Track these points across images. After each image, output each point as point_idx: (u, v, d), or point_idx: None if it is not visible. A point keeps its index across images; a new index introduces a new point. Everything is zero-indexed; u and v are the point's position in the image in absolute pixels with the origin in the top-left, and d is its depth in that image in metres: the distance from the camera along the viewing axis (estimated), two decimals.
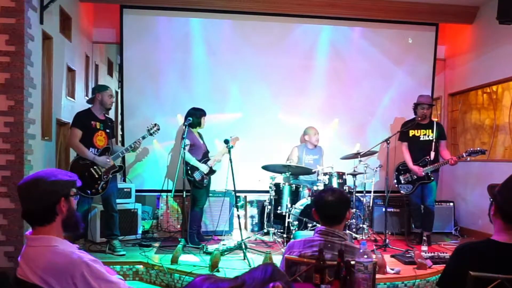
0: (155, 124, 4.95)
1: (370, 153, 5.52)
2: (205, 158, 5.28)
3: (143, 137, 4.88)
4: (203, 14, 6.00)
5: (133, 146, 4.79)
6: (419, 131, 5.40)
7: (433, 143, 5.30)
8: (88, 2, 5.91)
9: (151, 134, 4.96)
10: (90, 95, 6.34)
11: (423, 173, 5.24)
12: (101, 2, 6.01)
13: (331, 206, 2.34)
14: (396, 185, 5.55)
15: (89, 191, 4.45)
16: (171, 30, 6.04)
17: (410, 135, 5.42)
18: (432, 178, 5.27)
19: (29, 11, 4.15)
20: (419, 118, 5.33)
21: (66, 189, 1.79)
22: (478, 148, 4.96)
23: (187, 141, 5.04)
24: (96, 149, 4.56)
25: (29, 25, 4.15)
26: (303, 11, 6.05)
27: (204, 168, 5.15)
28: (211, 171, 5.29)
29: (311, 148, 5.87)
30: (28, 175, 1.81)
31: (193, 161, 5.08)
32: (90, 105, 4.71)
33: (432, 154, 5.27)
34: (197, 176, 5.10)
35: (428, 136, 5.36)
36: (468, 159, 5.02)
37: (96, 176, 4.50)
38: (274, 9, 5.98)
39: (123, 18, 5.89)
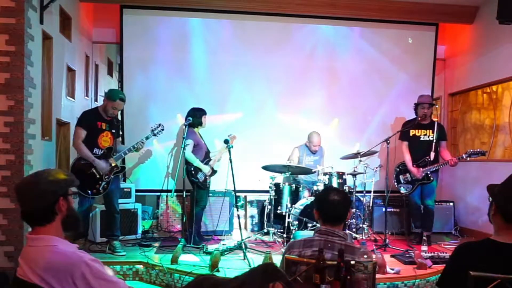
0: (159, 124, 4.93)
1: (370, 153, 5.52)
2: (207, 158, 5.28)
3: (147, 138, 4.86)
4: (203, 14, 6.00)
5: (136, 146, 4.77)
6: (419, 131, 5.41)
7: (434, 144, 5.30)
8: (88, 2, 5.91)
9: (155, 135, 4.94)
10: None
11: (422, 175, 5.25)
12: (101, 2, 6.01)
13: (337, 206, 2.33)
14: (396, 185, 5.55)
15: (89, 191, 4.44)
16: (171, 30, 6.04)
17: (411, 134, 5.42)
18: (432, 179, 5.27)
19: (29, 11, 4.15)
20: (419, 118, 5.34)
21: (64, 188, 1.79)
22: (478, 150, 4.96)
23: (192, 142, 5.05)
24: (100, 150, 4.55)
25: (29, 25, 4.15)
26: (303, 11, 6.05)
27: (206, 169, 5.16)
28: (213, 172, 5.30)
29: (313, 151, 5.85)
30: (25, 176, 1.81)
31: (196, 162, 5.08)
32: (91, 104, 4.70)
33: (432, 154, 5.27)
34: (200, 177, 5.10)
35: (428, 137, 5.36)
36: (468, 159, 5.03)
37: (98, 176, 4.50)
38: (274, 9, 5.98)
39: (123, 18, 5.89)
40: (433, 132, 5.34)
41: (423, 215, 5.43)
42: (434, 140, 5.31)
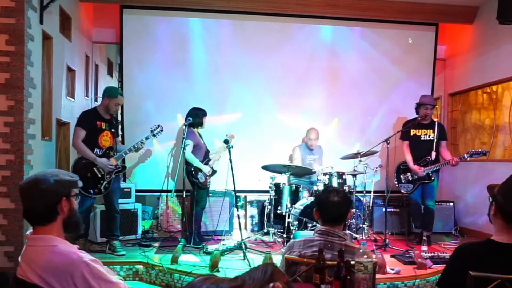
0: (159, 125, 4.95)
1: (370, 153, 5.52)
2: (206, 158, 5.28)
3: (146, 138, 4.87)
4: (203, 14, 6.00)
5: (136, 146, 4.78)
6: (420, 130, 5.41)
7: (434, 143, 5.30)
8: (88, 2, 5.90)
9: (154, 135, 4.96)
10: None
11: (423, 173, 5.24)
12: (101, 2, 6.01)
13: (336, 206, 2.33)
14: (397, 184, 5.55)
15: (91, 191, 4.44)
16: (171, 30, 6.04)
17: (411, 134, 5.43)
18: (433, 178, 5.28)
19: (29, 11, 4.15)
20: (420, 118, 5.34)
21: (67, 189, 1.80)
22: (480, 150, 4.95)
23: (192, 142, 5.05)
24: (101, 150, 4.55)
25: (29, 25, 4.15)
26: (303, 11, 6.04)
27: (206, 169, 5.16)
28: (213, 172, 5.29)
29: (311, 148, 5.86)
30: (29, 175, 1.81)
31: (196, 162, 5.08)
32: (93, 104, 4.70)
33: (433, 154, 5.27)
34: (201, 177, 5.10)
35: (429, 136, 5.37)
36: (469, 159, 5.03)
37: (99, 175, 4.50)
38: (274, 9, 5.98)
39: (123, 18, 5.89)
40: (433, 132, 5.34)
41: (423, 215, 5.42)
42: (435, 140, 5.31)
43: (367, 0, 5.96)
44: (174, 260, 4.20)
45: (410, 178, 5.43)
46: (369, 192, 5.79)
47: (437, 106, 6.45)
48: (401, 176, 5.53)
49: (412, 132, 5.43)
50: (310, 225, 4.85)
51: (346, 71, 6.36)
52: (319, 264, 1.99)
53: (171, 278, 4.06)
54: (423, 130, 5.41)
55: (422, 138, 5.40)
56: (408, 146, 5.46)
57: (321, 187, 5.15)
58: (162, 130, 4.98)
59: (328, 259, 2.09)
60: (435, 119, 5.70)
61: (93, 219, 5.01)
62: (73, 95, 5.59)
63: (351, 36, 6.37)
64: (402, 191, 5.51)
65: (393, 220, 5.97)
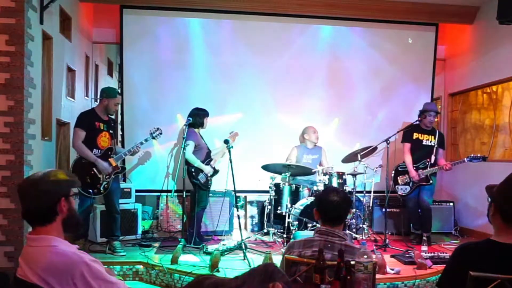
0: (158, 128, 4.96)
1: (370, 152, 5.52)
2: (208, 158, 5.28)
3: (146, 140, 4.87)
4: (203, 14, 6.00)
5: (131, 150, 4.79)
6: (422, 135, 5.49)
7: (435, 149, 5.39)
8: (88, 2, 5.91)
9: (153, 138, 4.96)
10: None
11: (419, 177, 5.28)
12: (101, 2, 6.01)
13: (336, 206, 2.34)
14: (393, 186, 5.55)
15: (91, 191, 4.45)
16: (171, 30, 6.04)
17: (414, 137, 5.49)
18: (431, 182, 5.34)
19: (29, 11, 4.15)
20: (420, 119, 5.37)
21: (66, 189, 1.80)
22: (479, 155, 5.02)
23: (193, 143, 5.05)
24: (99, 150, 4.55)
25: (29, 25, 4.15)
26: (303, 11, 6.05)
27: (207, 170, 5.15)
28: (215, 172, 5.29)
29: (310, 147, 5.87)
30: (28, 176, 1.81)
31: (197, 163, 5.08)
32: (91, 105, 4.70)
33: (433, 158, 5.37)
34: (202, 178, 5.10)
35: (430, 142, 5.46)
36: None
37: (98, 176, 4.50)
38: (274, 9, 5.98)
39: (123, 18, 5.88)
40: (434, 138, 5.45)
41: (421, 217, 5.45)
42: (435, 146, 5.39)
43: (367, 0, 5.97)
44: (174, 260, 4.20)
45: (407, 179, 5.46)
46: (369, 192, 5.78)
47: (439, 113, 6.45)
48: (398, 177, 5.55)
49: (415, 136, 5.49)
50: (310, 225, 4.85)
51: (346, 71, 6.36)
52: (319, 264, 1.99)
53: (171, 278, 4.06)
54: (426, 136, 5.48)
55: (424, 143, 5.46)
56: (409, 149, 5.50)
57: (321, 187, 5.15)
58: (161, 133, 4.99)
59: (328, 259, 2.09)
60: (436, 119, 5.71)
61: (93, 219, 5.01)
62: (73, 95, 5.59)
63: (351, 36, 6.36)
64: (399, 193, 5.53)
65: (393, 220, 5.97)
